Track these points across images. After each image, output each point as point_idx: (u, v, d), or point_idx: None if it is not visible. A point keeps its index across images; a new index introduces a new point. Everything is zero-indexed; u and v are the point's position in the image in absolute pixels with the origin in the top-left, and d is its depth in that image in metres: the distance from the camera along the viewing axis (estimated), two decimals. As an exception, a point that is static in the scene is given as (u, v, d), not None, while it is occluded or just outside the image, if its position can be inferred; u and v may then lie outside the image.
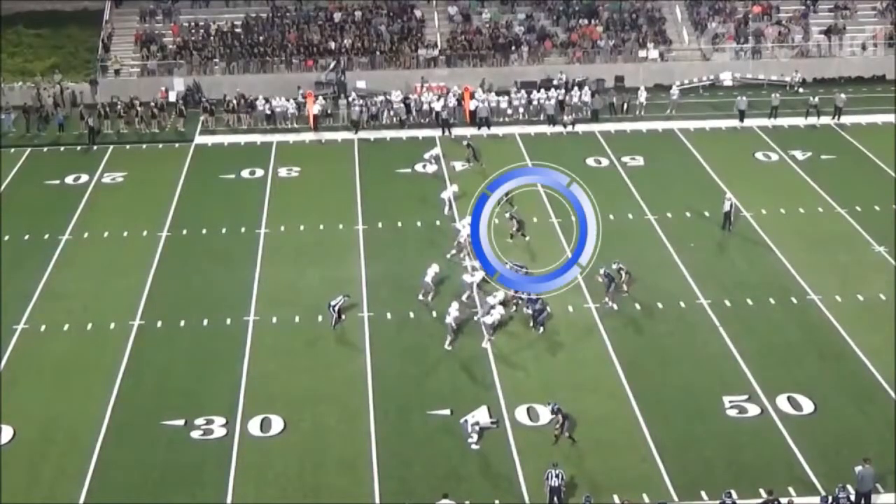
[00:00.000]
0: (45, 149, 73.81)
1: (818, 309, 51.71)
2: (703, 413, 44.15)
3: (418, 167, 68.46)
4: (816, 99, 77.00)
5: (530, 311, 50.64)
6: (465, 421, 43.13)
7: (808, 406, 44.33)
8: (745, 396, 44.90)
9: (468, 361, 48.01)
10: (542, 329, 50.30)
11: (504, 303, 51.31)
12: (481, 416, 43.53)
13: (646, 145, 73.16)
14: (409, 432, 43.18)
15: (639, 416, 43.94)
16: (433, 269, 53.15)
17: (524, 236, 58.65)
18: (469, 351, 48.70)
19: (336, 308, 50.29)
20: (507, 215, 58.27)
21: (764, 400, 44.62)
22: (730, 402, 44.57)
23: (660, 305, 52.22)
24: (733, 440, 42.52)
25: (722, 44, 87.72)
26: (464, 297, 52.10)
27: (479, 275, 51.20)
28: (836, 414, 43.98)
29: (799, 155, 70.34)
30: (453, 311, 49.26)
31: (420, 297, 53.01)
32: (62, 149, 74.03)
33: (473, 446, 42.14)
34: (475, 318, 50.72)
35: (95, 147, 73.59)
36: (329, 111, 77.65)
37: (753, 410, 44.12)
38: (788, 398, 44.71)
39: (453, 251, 56.62)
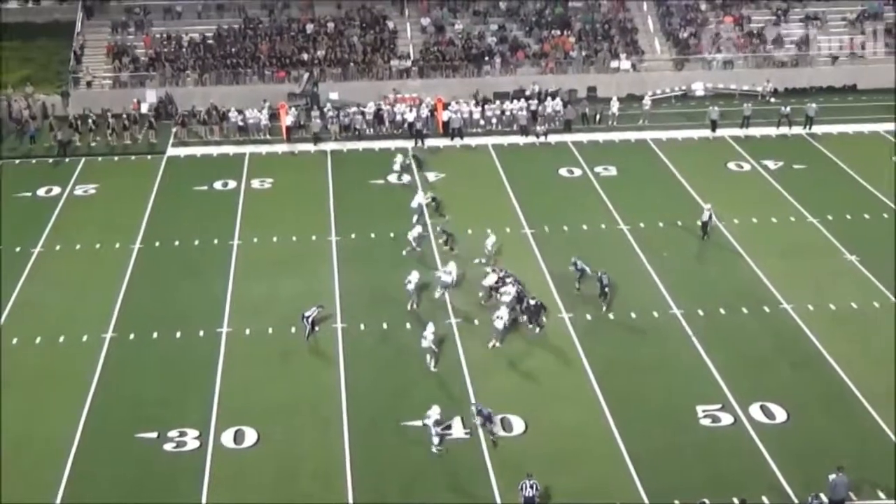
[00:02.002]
0: (17, 161, 73.50)
1: (790, 318, 51.88)
2: (676, 422, 44.21)
3: (392, 178, 68.35)
4: (788, 109, 77.32)
5: (518, 310, 51.21)
6: (426, 425, 43.14)
7: (781, 415, 44.45)
8: (719, 406, 44.99)
9: (442, 372, 47.98)
10: (539, 330, 50.83)
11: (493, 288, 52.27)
12: (435, 414, 43.38)
13: (619, 155, 73.29)
14: (383, 443, 43.10)
15: (612, 426, 43.95)
16: (414, 277, 53.20)
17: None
18: (443, 361, 48.65)
19: (310, 319, 50.22)
20: (439, 229, 58.30)
21: (737, 409, 44.72)
22: (703, 411, 44.65)
23: (633, 315, 52.32)
24: (707, 449, 42.61)
25: (693, 54, 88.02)
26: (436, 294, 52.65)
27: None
28: (809, 422, 44.11)
29: (771, 164, 70.60)
30: (429, 333, 48.63)
31: (409, 307, 53.16)
32: (34, 161, 73.74)
33: (435, 450, 42.30)
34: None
35: (67, 159, 73.30)
36: (302, 122, 77.50)
37: (727, 419, 44.21)
38: (761, 407, 44.82)
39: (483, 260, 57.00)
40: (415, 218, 60.29)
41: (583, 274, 53.92)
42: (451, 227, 58.61)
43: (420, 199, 62.64)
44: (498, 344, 49.84)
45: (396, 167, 67.91)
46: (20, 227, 62.52)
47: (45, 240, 61.17)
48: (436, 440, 42.58)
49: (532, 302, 51.05)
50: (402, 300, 53.17)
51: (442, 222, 58.58)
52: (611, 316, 52.20)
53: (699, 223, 60.28)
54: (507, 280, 52.63)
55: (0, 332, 51.20)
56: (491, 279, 52.94)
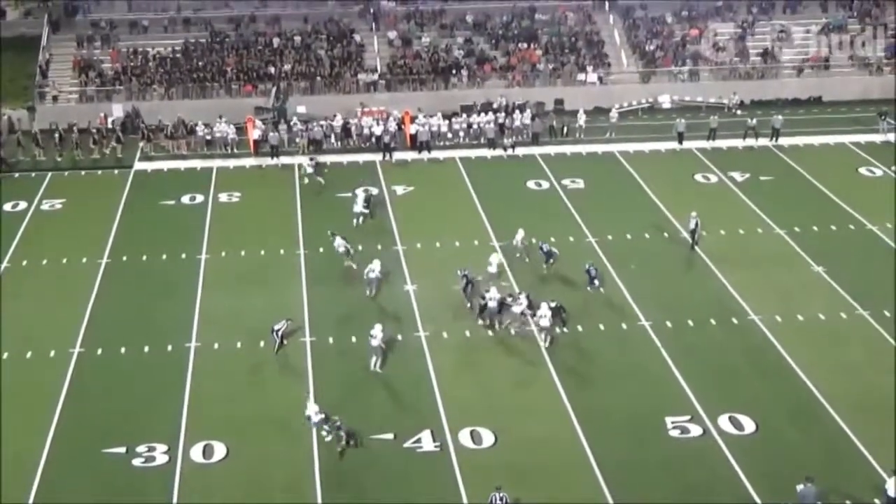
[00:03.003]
0: (-18, 176, 73.27)
1: (758, 329, 52.07)
2: (646, 434, 44.28)
3: (358, 191, 68.13)
4: (754, 121, 77.69)
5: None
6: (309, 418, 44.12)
7: (749, 426, 44.56)
8: (688, 417, 45.08)
9: (411, 384, 48.05)
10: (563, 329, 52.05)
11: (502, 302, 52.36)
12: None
13: (586, 168, 73.42)
14: (352, 457, 42.95)
15: (582, 438, 43.99)
16: (376, 265, 55.02)
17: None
18: (412, 374, 48.75)
19: (279, 333, 50.19)
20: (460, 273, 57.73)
21: (706, 420, 44.81)
22: (672, 422, 44.73)
23: (601, 327, 52.42)
24: (676, 461, 42.71)
25: (659, 67, 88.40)
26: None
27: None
28: (778, 433, 44.25)
29: (738, 176, 70.86)
30: (377, 332, 48.90)
31: (367, 293, 54.92)
32: (-1, 176, 73.54)
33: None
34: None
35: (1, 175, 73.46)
36: (268, 136, 77.33)
37: (696, 431, 44.30)
38: (730, 418, 44.91)
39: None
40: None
41: (550, 257, 56.77)
42: (473, 274, 56.04)
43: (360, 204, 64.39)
44: (547, 344, 50.82)
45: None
46: (-13, 243, 62.30)
47: (11, 255, 60.89)
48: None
49: (552, 304, 51.34)
50: (372, 314, 53.06)
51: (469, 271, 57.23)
52: (579, 328, 52.25)
53: (687, 231, 60.87)
54: (519, 296, 52.93)
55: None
56: (521, 306, 52.38)
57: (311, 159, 72.78)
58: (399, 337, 51.51)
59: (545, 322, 50.53)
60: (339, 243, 58.25)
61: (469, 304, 53.76)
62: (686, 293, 55.90)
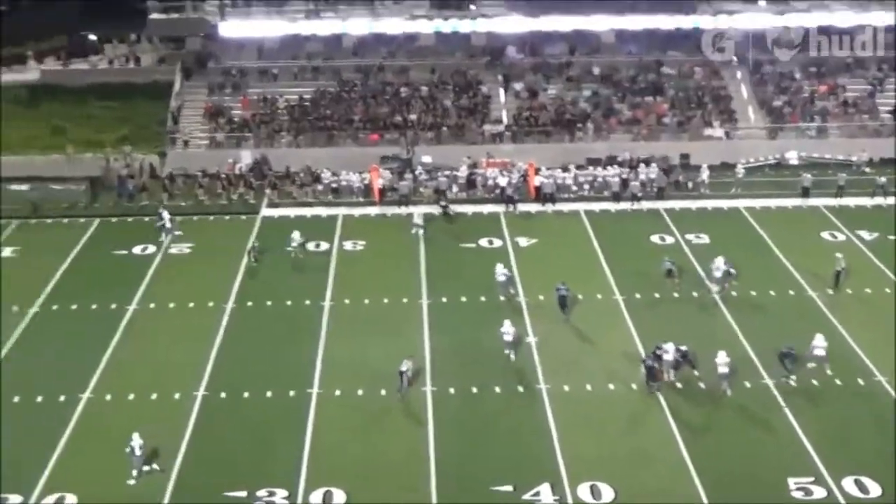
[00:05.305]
0: (114, 219, 74.63)
1: (884, 389, 51.14)
2: (767, 494, 43.56)
3: (483, 242, 68.20)
4: (883, 179, 76.66)
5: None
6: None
7: (875, 489, 43.65)
8: (811, 478, 44.31)
9: (531, 436, 47.81)
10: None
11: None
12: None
13: (711, 223, 72.89)
14: (471, 508, 43.03)
15: (701, 491, 43.54)
16: (509, 327, 54.81)
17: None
18: (532, 425, 48.56)
19: (405, 374, 50.61)
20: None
21: (830, 482, 44.05)
22: (795, 483, 44.01)
23: (728, 392, 51.45)
24: (800, 523, 42.11)
25: (787, 122, 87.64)
26: None
27: None
28: (904, 497, 43.43)
29: (866, 235, 69.83)
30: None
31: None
32: (130, 219, 74.83)
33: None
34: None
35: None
36: (394, 185, 77.99)
37: (819, 493, 43.49)
38: (855, 481, 44.06)
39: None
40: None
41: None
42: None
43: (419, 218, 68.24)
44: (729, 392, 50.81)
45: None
46: (116, 285, 63.41)
47: (140, 297, 61.97)
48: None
49: (683, 349, 51.80)
50: (492, 364, 53.26)
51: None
52: (701, 385, 51.73)
53: (833, 272, 60.78)
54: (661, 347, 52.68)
55: (92, 390, 51.93)
56: (669, 354, 52.17)
57: (443, 204, 74.00)
58: (520, 388, 51.46)
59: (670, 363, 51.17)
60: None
61: (650, 389, 52.08)
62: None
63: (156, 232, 68.64)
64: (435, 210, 74.45)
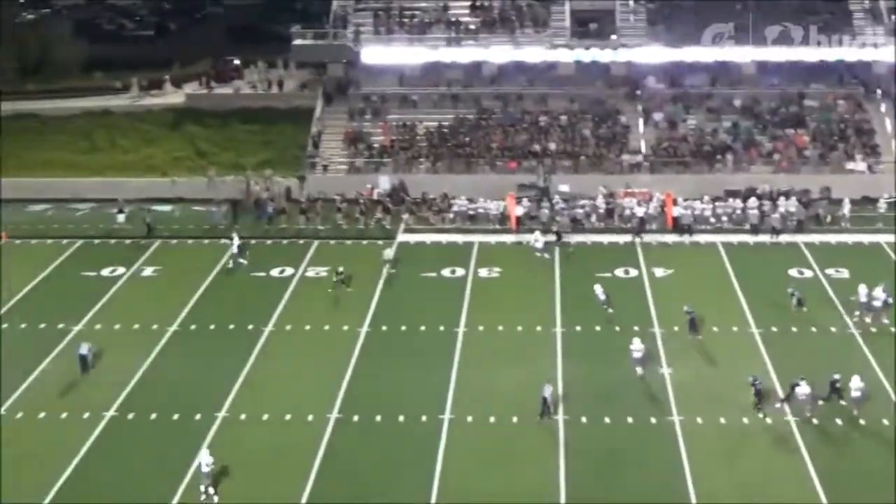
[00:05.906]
0: (253, 241, 75.59)
1: None
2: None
3: (619, 272, 67.89)
4: None
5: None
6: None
7: None
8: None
9: (662, 469, 47.38)
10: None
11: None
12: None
13: (851, 258, 71.47)
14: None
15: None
16: (638, 344, 56.00)
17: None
18: (663, 458, 48.13)
19: (548, 398, 50.61)
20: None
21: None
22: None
23: (862, 422, 50.75)
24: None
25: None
26: None
27: None
28: None
29: None
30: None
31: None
32: (269, 242, 75.79)
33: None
34: None
35: (143, 241, 75.96)
36: (532, 214, 77.95)
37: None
38: None
39: None
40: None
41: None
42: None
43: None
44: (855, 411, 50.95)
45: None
46: (254, 306, 64.35)
47: (276, 319, 62.71)
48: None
49: (836, 377, 51.83)
50: (625, 394, 52.97)
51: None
52: (838, 421, 50.77)
53: None
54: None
55: (229, 409, 52.61)
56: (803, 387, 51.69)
57: (557, 234, 74.07)
58: (653, 420, 51.05)
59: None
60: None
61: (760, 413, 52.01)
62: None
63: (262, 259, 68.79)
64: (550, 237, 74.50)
